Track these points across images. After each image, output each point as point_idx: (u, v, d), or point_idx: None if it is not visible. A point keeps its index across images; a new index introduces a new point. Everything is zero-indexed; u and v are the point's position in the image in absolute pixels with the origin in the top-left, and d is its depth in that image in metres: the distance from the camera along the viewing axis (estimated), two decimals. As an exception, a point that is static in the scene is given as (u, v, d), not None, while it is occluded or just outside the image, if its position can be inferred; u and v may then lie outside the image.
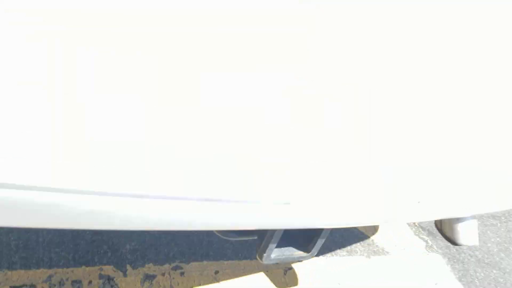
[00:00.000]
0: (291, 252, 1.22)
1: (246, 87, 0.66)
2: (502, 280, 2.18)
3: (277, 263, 1.75)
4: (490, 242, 2.40)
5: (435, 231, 2.23)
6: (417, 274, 2.06)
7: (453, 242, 1.59)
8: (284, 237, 1.15)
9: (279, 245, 1.17)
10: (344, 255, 2.01)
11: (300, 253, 1.23)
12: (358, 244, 2.11)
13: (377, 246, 2.13)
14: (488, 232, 2.49)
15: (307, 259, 1.27)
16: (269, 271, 1.80)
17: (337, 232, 2.09)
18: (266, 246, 1.17)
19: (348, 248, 2.07)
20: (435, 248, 2.25)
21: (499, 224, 2.57)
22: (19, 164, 0.58)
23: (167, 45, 0.59)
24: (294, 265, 1.87)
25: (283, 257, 1.22)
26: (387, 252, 2.13)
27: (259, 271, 1.78)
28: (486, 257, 2.28)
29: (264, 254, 1.18)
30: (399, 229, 2.30)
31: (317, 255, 1.56)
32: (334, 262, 1.95)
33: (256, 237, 1.21)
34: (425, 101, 0.85)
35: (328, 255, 1.98)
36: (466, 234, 1.58)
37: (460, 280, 2.11)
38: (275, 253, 1.19)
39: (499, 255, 2.34)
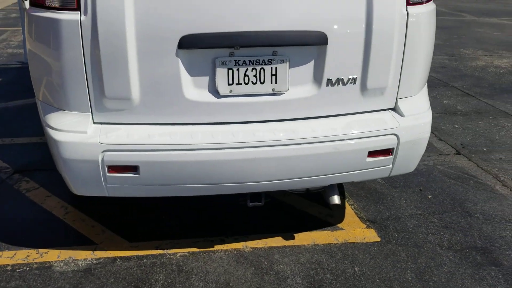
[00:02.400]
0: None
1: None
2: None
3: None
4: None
5: (377, 220, 4.50)
6: (356, 238, 4.26)
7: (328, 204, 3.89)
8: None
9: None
10: (317, 230, 4.29)
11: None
12: (328, 227, 4.38)
13: (338, 227, 4.38)
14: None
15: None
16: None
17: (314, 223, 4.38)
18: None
19: (320, 229, 4.33)
20: (372, 227, 4.43)
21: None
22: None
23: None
24: (292, 237, 4.19)
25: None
26: (343, 229, 4.37)
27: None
28: (399, 226, 4.41)
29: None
30: (352, 221, 4.51)
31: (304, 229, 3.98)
32: (316, 234, 4.23)
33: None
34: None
35: (309, 232, 4.26)
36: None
37: (380, 238, 4.26)
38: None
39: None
